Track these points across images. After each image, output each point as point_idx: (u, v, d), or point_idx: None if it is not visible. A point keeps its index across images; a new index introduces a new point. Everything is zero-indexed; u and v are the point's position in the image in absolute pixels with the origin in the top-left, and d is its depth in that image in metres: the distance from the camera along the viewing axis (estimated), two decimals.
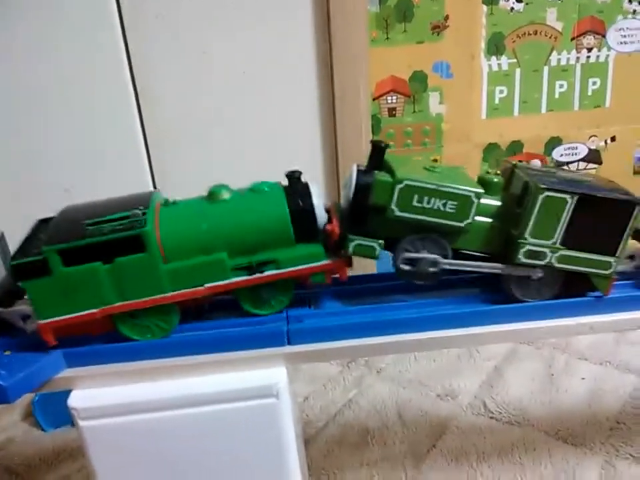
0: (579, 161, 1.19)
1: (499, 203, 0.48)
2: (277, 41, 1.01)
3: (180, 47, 0.99)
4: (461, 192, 0.44)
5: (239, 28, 0.99)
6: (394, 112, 1.13)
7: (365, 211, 0.46)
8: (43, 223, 0.48)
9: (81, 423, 0.43)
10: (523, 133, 1.15)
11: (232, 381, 0.45)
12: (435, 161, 1.17)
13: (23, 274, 0.42)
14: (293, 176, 0.47)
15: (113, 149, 1.01)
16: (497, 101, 1.14)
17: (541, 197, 0.45)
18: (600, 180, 0.50)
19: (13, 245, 0.50)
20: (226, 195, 0.46)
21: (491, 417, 0.84)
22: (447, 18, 1.08)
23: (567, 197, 0.45)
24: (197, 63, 1.00)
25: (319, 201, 0.46)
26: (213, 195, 0.46)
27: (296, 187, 0.46)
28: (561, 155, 1.18)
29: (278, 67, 1.02)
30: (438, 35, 1.09)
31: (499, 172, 0.52)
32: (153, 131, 1.02)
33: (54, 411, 0.86)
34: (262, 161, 1.07)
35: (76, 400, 0.43)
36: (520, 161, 0.53)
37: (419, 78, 1.11)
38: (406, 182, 0.44)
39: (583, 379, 0.91)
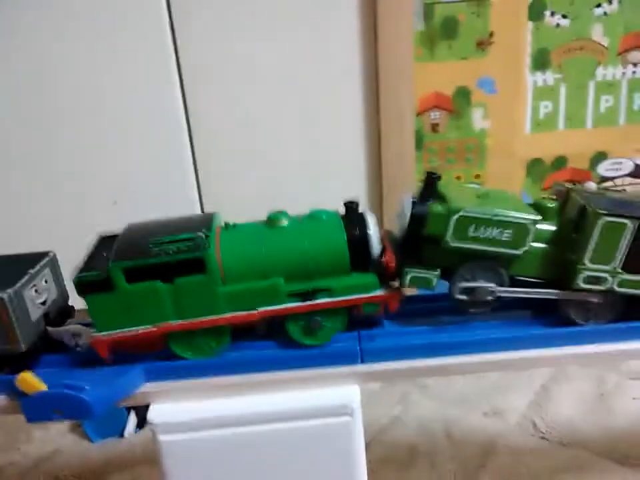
0: (624, 176, 1.17)
1: (554, 228, 0.48)
2: (324, 57, 1.02)
3: (228, 59, 1.00)
4: (517, 220, 0.44)
5: (287, 42, 1.00)
6: (437, 127, 1.13)
7: (420, 242, 0.46)
8: (105, 238, 0.49)
9: (160, 438, 0.43)
10: (567, 148, 1.14)
11: (306, 398, 0.45)
12: (478, 176, 1.16)
13: (86, 288, 0.43)
14: (351, 206, 0.47)
15: (160, 161, 1.03)
16: (541, 116, 1.13)
17: (599, 222, 0.44)
18: None
19: (63, 260, 0.52)
20: (284, 222, 0.46)
21: (541, 437, 0.83)
22: (491, 34, 1.08)
23: (627, 221, 0.44)
24: (245, 76, 1.01)
25: (375, 231, 0.46)
26: (271, 221, 0.46)
27: (353, 217, 0.47)
28: (606, 170, 1.16)
29: (325, 82, 1.03)
30: (483, 51, 1.09)
31: (553, 196, 0.52)
32: (200, 144, 1.04)
33: (102, 422, 0.87)
34: (305, 175, 1.08)
35: (155, 415, 0.44)
36: (574, 183, 0.52)
37: (463, 94, 1.11)
38: (461, 212, 0.44)
39: (634, 398, 0.89)
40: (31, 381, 0.40)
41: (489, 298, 0.47)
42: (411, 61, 1.05)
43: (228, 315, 0.44)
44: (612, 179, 1.17)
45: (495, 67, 1.09)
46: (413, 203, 0.46)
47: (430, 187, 0.46)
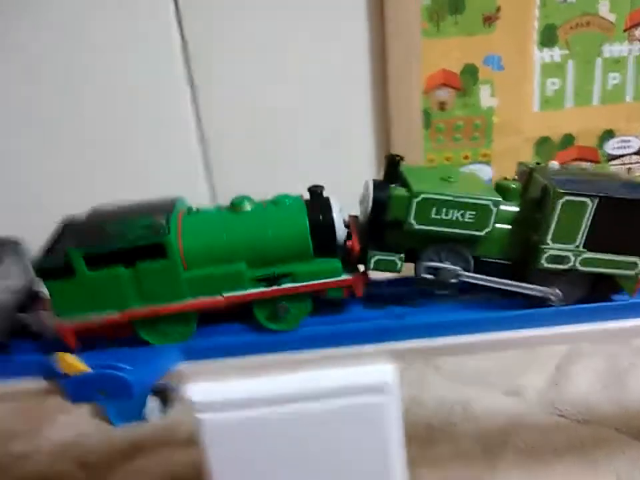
0: (631, 154, 1.17)
1: (517, 209, 0.48)
2: (331, 35, 1.01)
3: (236, 43, 0.99)
4: (478, 202, 0.45)
5: (294, 21, 0.99)
6: (444, 106, 1.12)
7: (383, 225, 0.46)
8: (68, 223, 0.49)
9: (199, 416, 0.44)
10: (575, 126, 1.14)
11: (342, 376, 0.45)
12: (485, 155, 1.17)
13: (46, 274, 0.43)
14: (316, 190, 0.47)
15: (171, 159, 1.03)
16: (549, 93, 1.13)
17: (560, 201, 0.44)
18: (623, 176, 0.50)
19: None
20: (248, 207, 0.46)
21: (560, 415, 0.84)
22: (498, 9, 1.07)
23: (587, 200, 0.44)
24: (252, 56, 1.01)
25: (339, 216, 0.46)
26: (234, 206, 0.47)
27: (317, 202, 0.47)
28: (613, 149, 1.17)
29: (332, 61, 1.03)
30: (490, 26, 1.08)
31: (515, 177, 0.52)
32: (210, 134, 1.03)
33: (124, 406, 0.88)
34: (312, 155, 1.07)
35: (195, 393, 0.44)
36: (538, 163, 0.52)
37: (470, 71, 1.10)
38: (422, 195, 0.44)
39: None
40: (72, 362, 0.41)
41: (454, 279, 0.47)
42: (418, 37, 1.04)
43: (192, 301, 0.45)
44: (619, 156, 1.18)
45: (502, 43, 1.09)
46: (375, 187, 0.46)
47: (392, 170, 0.47)
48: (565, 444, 0.78)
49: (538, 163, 0.52)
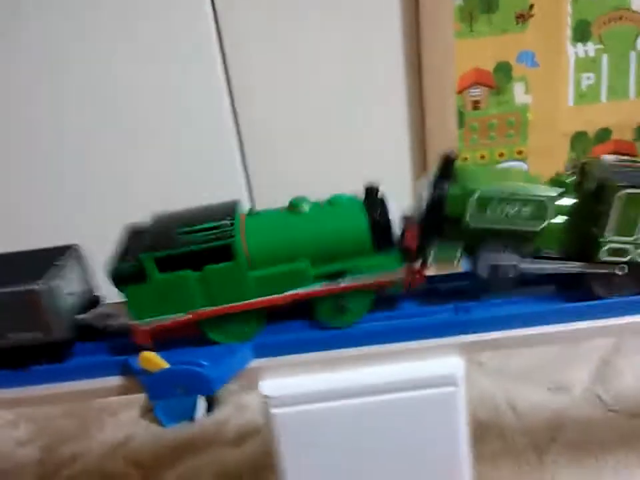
0: None
1: (572, 203, 0.48)
2: (366, 37, 1.02)
3: (274, 47, 1.01)
4: (534, 197, 0.45)
5: (330, 24, 1.00)
6: (478, 104, 1.13)
7: (440, 222, 0.47)
8: (133, 230, 0.51)
9: (273, 411, 0.45)
10: (610, 120, 1.14)
11: (411, 370, 0.46)
12: (520, 152, 1.16)
13: (121, 280, 0.45)
14: (371, 188, 0.48)
15: (209, 161, 1.04)
16: (583, 88, 1.12)
17: (619, 195, 0.44)
18: None
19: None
20: (306, 207, 0.48)
21: (609, 410, 0.83)
22: (531, 7, 1.07)
23: None
24: (289, 59, 1.02)
25: (395, 213, 0.48)
26: (293, 207, 0.48)
27: (373, 199, 0.48)
28: None
29: (367, 63, 1.04)
30: (523, 24, 1.08)
31: (571, 171, 0.52)
32: (249, 138, 1.05)
33: (173, 407, 0.89)
34: (348, 156, 1.08)
35: (268, 388, 0.45)
36: (593, 157, 0.52)
37: (504, 69, 1.10)
38: (479, 192, 0.45)
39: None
40: (154, 359, 0.42)
41: (512, 274, 0.48)
42: (452, 38, 1.05)
43: (257, 300, 0.46)
44: None
45: (535, 40, 1.09)
46: (431, 185, 0.47)
47: (447, 168, 0.47)
48: (614, 438, 0.78)
49: (593, 157, 0.52)
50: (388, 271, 0.46)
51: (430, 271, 0.50)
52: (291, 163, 1.07)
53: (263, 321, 0.48)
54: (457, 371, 0.46)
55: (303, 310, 0.48)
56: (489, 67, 1.10)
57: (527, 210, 0.45)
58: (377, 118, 1.07)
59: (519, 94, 1.12)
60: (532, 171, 1.16)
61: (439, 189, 0.46)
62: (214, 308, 0.45)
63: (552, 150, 1.15)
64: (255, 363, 0.47)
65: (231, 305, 0.45)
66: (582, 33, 1.09)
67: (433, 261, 0.47)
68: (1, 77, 0.96)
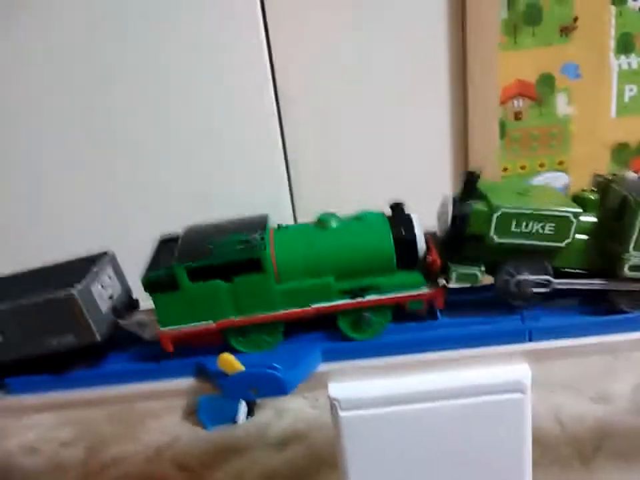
0: None
1: (596, 219, 0.48)
2: (411, 47, 1.03)
3: (319, 52, 1.02)
4: (559, 214, 0.45)
5: (373, 32, 1.01)
6: (520, 115, 1.13)
7: (463, 240, 0.47)
8: (166, 240, 0.53)
9: (341, 414, 0.46)
10: None
11: (479, 376, 0.46)
12: (561, 163, 1.16)
13: (153, 287, 0.46)
14: (397, 206, 0.49)
15: (252, 162, 1.05)
16: (626, 100, 1.12)
17: None
18: None
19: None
20: (334, 222, 0.49)
21: None
22: (575, 19, 1.08)
23: None
24: (334, 69, 1.03)
25: (420, 231, 0.48)
26: (321, 222, 0.49)
27: (399, 217, 0.49)
28: None
29: (411, 73, 1.05)
30: (566, 36, 1.08)
31: (593, 188, 0.52)
32: (291, 140, 1.06)
33: (216, 410, 0.90)
34: (390, 167, 1.09)
35: (336, 391, 0.46)
36: (614, 174, 0.52)
37: (546, 80, 1.11)
38: (502, 209, 0.45)
39: None
40: (232, 361, 0.43)
41: (536, 290, 0.48)
42: (496, 50, 1.05)
43: (283, 312, 0.47)
44: None
45: (579, 52, 1.09)
46: (455, 202, 0.47)
47: (470, 185, 0.48)
48: None
49: (614, 174, 0.52)
50: (411, 289, 0.47)
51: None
52: (331, 171, 1.08)
53: (282, 332, 0.49)
54: (525, 377, 0.46)
55: (325, 322, 0.49)
56: (532, 79, 1.10)
57: (551, 226, 0.45)
58: (419, 127, 1.08)
59: (562, 105, 1.12)
60: (573, 182, 1.16)
61: (463, 206, 0.47)
62: (240, 318, 0.47)
63: (593, 161, 1.14)
64: (324, 366, 0.47)
65: (257, 315, 0.47)
66: (625, 45, 1.09)
67: (455, 279, 0.48)
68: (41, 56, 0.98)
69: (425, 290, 0.47)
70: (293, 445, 0.86)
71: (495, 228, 0.45)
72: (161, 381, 0.48)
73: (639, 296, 0.48)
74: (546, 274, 0.47)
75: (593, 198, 0.49)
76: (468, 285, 0.49)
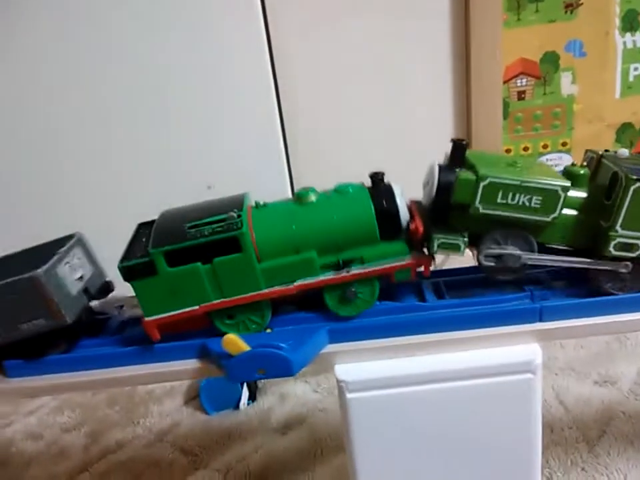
0: None
1: (585, 195, 0.47)
2: (413, 24, 1.01)
3: (318, 34, 1.00)
4: (546, 186, 0.44)
5: (377, 13, 1.00)
6: (523, 95, 1.11)
7: (447, 208, 0.46)
8: (143, 226, 0.51)
9: (348, 395, 0.45)
10: None
11: (488, 356, 0.45)
12: (565, 144, 1.15)
13: (131, 274, 0.45)
14: (377, 177, 0.47)
15: (252, 145, 1.04)
16: (631, 79, 1.10)
17: (632, 187, 0.43)
18: None
19: None
20: (313, 197, 0.47)
21: None
22: None
23: None
24: (334, 47, 1.01)
25: (402, 201, 0.47)
26: (300, 197, 0.47)
27: (379, 188, 0.47)
28: None
29: (414, 53, 1.03)
30: (571, 13, 1.06)
31: (584, 163, 0.51)
32: (291, 124, 1.04)
33: (217, 395, 0.90)
34: (393, 144, 1.08)
35: (344, 373, 0.45)
36: (607, 151, 0.51)
37: (551, 58, 1.09)
38: (489, 179, 0.43)
39: None
40: (237, 342, 0.42)
41: (517, 265, 0.46)
42: (500, 27, 1.03)
43: (266, 290, 0.46)
44: None
45: (583, 29, 1.07)
46: (441, 170, 0.45)
47: (457, 154, 0.46)
48: None
49: (607, 151, 0.51)
50: (395, 260, 0.46)
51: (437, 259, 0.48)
52: (335, 152, 1.07)
53: (269, 312, 0.48)
54: (535, 358, 0.45)
55: (313, 299, 0.48)
56: (536, 57, 1.09)
57: (538, 199, 0.44)
58: (421, 106, 1.06)
59: (566, 84, 1.10)
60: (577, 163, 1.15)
61: (448, 174, 0.45)
62: (224, 300, 0.45)
63: (598, 141, 1.13)
64: (330, 347, 0.46)
65: (240, 296, 0.45)
66: (631, 22, 1.07)
67: (437, 248, 0.46)
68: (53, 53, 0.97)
69: (409, 259, 0.46)
70: (296, 429, 0.86)
71: (481, 197, 0.44)
72: (161, 363, 0.47)
73: (624, 276, 0.46)
74: (530, 248, 0.46)
75: (582, 173, 0.47)
76: (454, 254, 0.47)
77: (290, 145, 1.06)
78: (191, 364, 0.46)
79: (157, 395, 0.96)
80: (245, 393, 0.91)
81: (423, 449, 0.47)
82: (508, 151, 1.14)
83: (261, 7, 0.96)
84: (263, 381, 0.95)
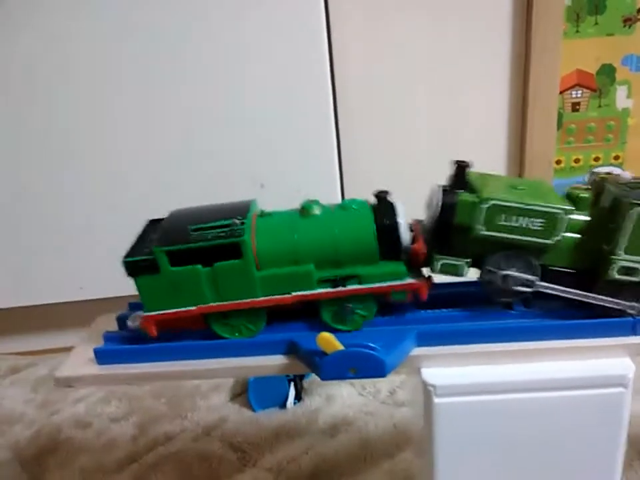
0: None
1: (587, 218, 0.46)
2: (474, 35, 1.01)
3: (377, 35, 1.00)
4: (549, 210, 0.43)
5: (437, 20, 1.00)
6: (577, 106, 1.10)
7: (450, 230, 0.46)
8: (153, 223, 0.52)
9: (436, 400, 0.45)
10: None
11: (579, 368, 0.45)
12: (617, 157, 1.14)
13: (135, 270, 0.46)
14: (382, 195, 0.48)
15: (306, 146, 1.04)
16: None
17: (633, 212, 0.43)
18: None
19: None
20: (317, 210, 0.47)
21: None
22: (639, 11, 1.05)
23: None
24: (393, 54, 1.01)
25: (404, 221, 0.47)
26: (305, 209, 0.48)
27: (383, 206, 0.47)
28: None
29: (472, 58, 1.03)
30: (629, 27, 1.06)
31: (588, 187, 0.50)
32: (346, 123, 1.05)
33: (264, 392, 0.90)
34: (447, 153, 1.07)
35: (432, 377, 0.45)
36: (609, 173, 0.50)
37: (607, 71, 1.08)
38: (492, 201, 0.43)
39: None
40: (332, 341, 0.42)
41: (519, 288, 0.46)
42: (560, 37, 1.03)
43: (263, 298, 0.46)
44: None
45: None
46: (443, 192, 0.45)
47: (459, 176, 0.46)
48: None
49: (609, 173, 0.51)
50: (393, 280, 0.46)
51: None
52: (386, 155, 1.07)
53: (264, 319, 0.48)
54: (628, 372, 0.44)
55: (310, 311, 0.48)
56: (592, 69, 1.08)
57: (541, 222, 0.44)
58: (477, 112, 1.06)
59: (621, 98, 1.09)
60: None
61: (451, 196, 0.45)
62: (221, 303, 0.46)
63: None
64: (417, 350, 0.46)
65: (237, 301, 0.46)
66: None
67: (439, 270, 0.46)
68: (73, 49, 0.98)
69: (407, 281, 0.46)
70: (345, 431, 0.86)
71: (483, 220, 0.44)
72: (251, 357, 0.47)
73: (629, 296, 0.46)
74: (532, 271, 0.46)
75: (586, 196, 0.47)
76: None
77: (343, 149, 1.06)
78: (279, 360, 0.47)
79: (203, 390, 0.97)
80: (292, 392, 0.91)
81: (507, 458, 0.47)
82: (559, 162, 1.13)
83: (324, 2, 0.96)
84: (307, 381, 0.95)
